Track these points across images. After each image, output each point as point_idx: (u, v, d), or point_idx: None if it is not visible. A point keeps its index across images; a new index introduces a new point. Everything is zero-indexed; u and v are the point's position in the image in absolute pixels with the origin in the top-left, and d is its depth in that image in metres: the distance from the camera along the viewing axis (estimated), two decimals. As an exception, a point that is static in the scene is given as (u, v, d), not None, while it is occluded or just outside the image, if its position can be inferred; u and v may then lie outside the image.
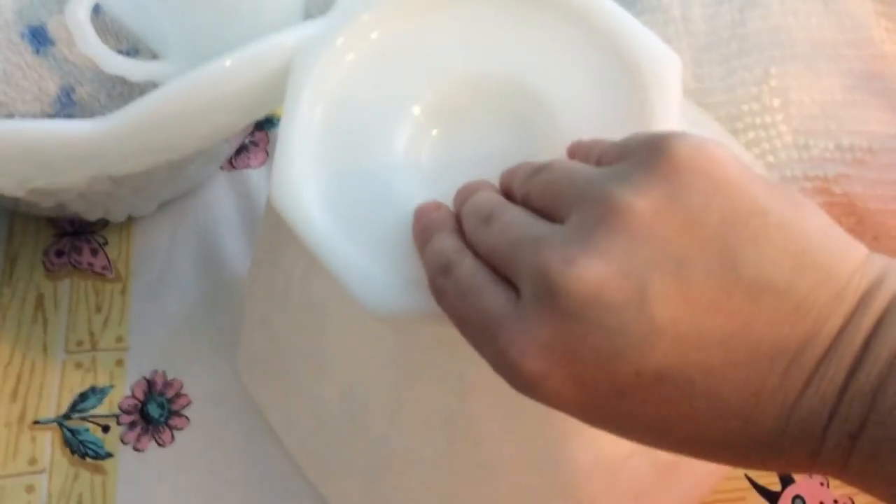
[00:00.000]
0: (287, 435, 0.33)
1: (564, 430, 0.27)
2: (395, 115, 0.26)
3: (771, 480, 0.34)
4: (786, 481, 0.34)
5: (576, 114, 0.26)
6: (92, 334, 0.37)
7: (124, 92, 0.29)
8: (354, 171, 0.26)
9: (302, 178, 0.25)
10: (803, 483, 0.34)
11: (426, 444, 0.28)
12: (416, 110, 0.26)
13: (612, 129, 0.23)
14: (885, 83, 0.35)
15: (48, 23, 0.28)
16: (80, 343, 0.36)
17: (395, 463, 0.29)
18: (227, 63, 0.25)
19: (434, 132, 0.26)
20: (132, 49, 0.29)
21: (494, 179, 0.24)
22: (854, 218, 0.36)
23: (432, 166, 0.26)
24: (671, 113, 0.25)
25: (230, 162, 0.41)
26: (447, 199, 0.24)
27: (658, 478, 0.30)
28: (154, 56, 0.29)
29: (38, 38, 0.28)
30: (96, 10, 0.27)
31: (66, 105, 0.28)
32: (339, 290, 0.24)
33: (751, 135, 0.35)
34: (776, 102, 0.35)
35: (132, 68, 0.28)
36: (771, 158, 0.35)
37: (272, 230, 0.31)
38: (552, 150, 0.25)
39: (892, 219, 0.35)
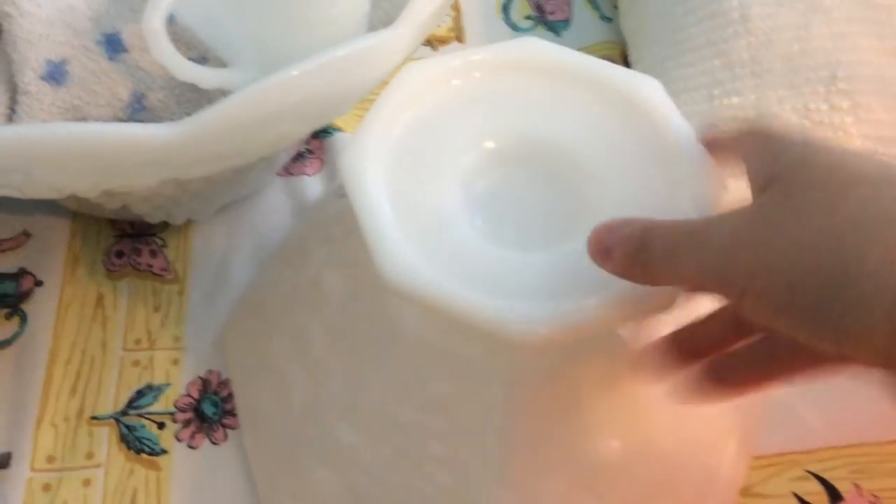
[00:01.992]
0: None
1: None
2: (459, 151, 0.29)
3: (820, 500, 0.34)
4: (834, 496, 0.34)
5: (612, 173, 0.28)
6: (150, 333, 0.38)
7: (193, 99, 0.30)
8: (416, 180, 0.27)
9: (371, 165, 0.26)
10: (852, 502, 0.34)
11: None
12: (476, 153, 0.29)
13: (642, 201, 0.27)
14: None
15: (123, 31, 0.29)
16: (137, 342, 0.37)
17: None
18: (294, 73, 0.26)
19: (486, 173, 0.29)
20: (202, 57, 0.30)
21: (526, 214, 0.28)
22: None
23: (478, 197, 0.28)
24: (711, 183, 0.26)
25: (286, 169, 0.42)
26: (491, 222, 0.26)
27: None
28: (223, 64, 0.30)
29: (113, 45, 0.29)
30: (170, 19, 0.28)
31: (138, 110, 0.29)
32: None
33: (818, 133, 0.35)
34: (845, 104, 0.35)
35: (202, 76, 0.28)
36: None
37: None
38: (581, 201, 0.28)
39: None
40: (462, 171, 0.28)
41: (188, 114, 0.26)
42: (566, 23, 0.49)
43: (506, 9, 0.50)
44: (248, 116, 0.26)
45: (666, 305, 0.25)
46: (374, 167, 0.27)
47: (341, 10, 0.30)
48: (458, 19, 0.50)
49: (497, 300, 0.25)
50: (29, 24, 0.28)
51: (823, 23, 0.36)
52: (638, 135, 0.29)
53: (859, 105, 0.35)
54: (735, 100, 0.36)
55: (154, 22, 0.27)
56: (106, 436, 0.35)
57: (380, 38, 0.27)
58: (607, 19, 0.49)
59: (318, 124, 0.29)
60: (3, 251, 0.39)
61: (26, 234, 0.40)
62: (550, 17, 0.50)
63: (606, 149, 0.29)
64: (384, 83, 0.29)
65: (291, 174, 0.42)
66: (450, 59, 0.30)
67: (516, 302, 0.25)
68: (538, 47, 0.31)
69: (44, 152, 0.24)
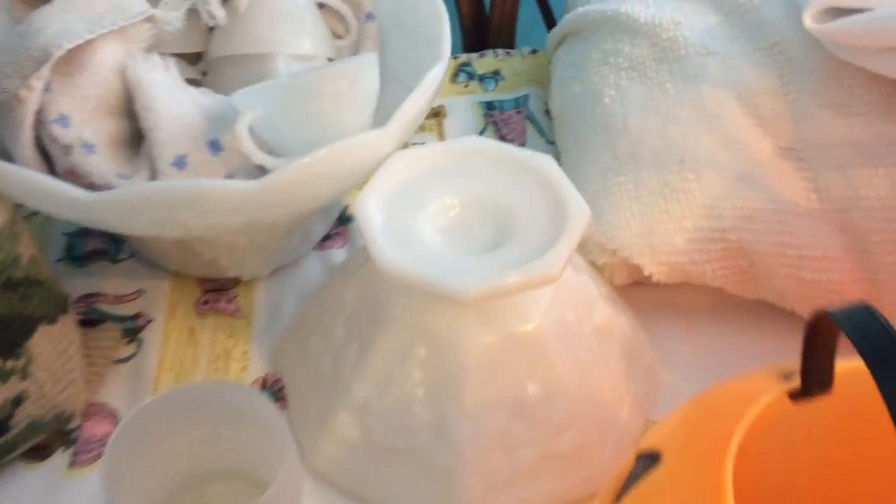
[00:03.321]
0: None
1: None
2: (428, 202, 0.46)
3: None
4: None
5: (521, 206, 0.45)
6: (226, 351, 0.54)
7: (259, 176, 0.48)
8: (400, 217, 0.44)
9: (372, 204, 0.44)
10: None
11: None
12: (439, 203, 0.46)
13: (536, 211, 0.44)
14: (757, 173, 0.52)
15: (220, 138, 0.48)
16: (217, 357, 0.54)
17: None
18: (322, 152, 0.44)
19: (445, 216, 0.46)
20: (267, 151, 0.48)
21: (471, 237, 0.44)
22: (747, 261, 0.52)
23: (440, 229, 0.45)
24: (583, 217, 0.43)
25: (319, 245, 0.60)
26: (448, 241, 0.43)
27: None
28: (279, 155, 0.48)
29: (215, 146, 0.48)
30: (250, 130, 0.47)
31: (229, 184, 0.47)
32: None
33: (675, 196, 0.52)
34: (691, 177, 0.52)
35: (267, 161, 0.47)
36: (686, 214, 0.51)
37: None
38: (505, 229, 0.45)
39: (772, 259, 0.51)
40: (430, 213, 0.46)
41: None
42: (522, 145, 0.68)
43: (480, 135, 0.69)
44: (292, 180, 0.44)
45: (554, 279, 0.42)
46: (373, 205, 0.44)
47: (353, 124, 0.48)
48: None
49: (447, 276, 0.41)
50: (163, 134, 0.47)
51: (676, 126, 0.54)
52: (538, 190, 0.46)
53: (700, 177, 0.52)
54: (620, 178, 0.54)
55: (242, 130, 0.46)
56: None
57: (374, 134, 0.45)
58: (551, 142, 0.68)
59: (339, 190, 0.46)
60: (126, 301, 0.57)
61: (140, 292, 0.57)
62: (509, 142, 0.69)
63: (520, 199, 0.46)
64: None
65: (323, 249, 0.60)
66: (424, 149, 0.48)
67: (459, 276, 0.41)
68: (481, 142, 0.49)
69: (175, 197, 0.42)
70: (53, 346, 0.46)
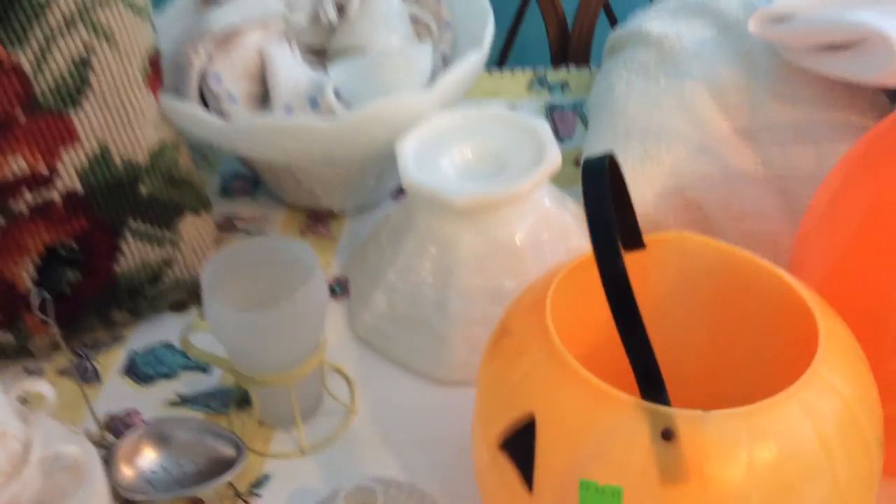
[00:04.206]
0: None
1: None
2: (450, 147, 0.64)
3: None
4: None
5: (513, 150, 0.62)
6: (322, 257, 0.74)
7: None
8: (428, 156, 0.63)
9: (409, 145, 0.63)
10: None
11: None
12: (458, 148, 0.64)
13: (527, 158, 0.60)
14: (715, 146, 0.66)
15: (318, 97, 0.69)
16: (309, 261, 0.74)
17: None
18: (382, 103, 0.64)
19: (461, 157, 0.64)
20: (348, 107, 0.68)
21: (478, 170, 0.61)
22: (701, 213, 0.66)
23: (457, 166, 0.63)
24: (554, 160, 0.60)
25: (395, 195, 0.79)
26: (461, 173, 0.61)
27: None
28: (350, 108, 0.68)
29: (313, 102, 0.69)
30: (337, 92, 0.67)
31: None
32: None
33: (649, 161, 0.67)
34: (663, 146, 0.67)
35: (340, 110, 0.67)
36: (656, 174, 0.67)
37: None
38: (503, 164, 0.61)
39: (720, 213, 0.65)
40: (449, 155, 0.64)
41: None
42: (570, 136, 0.85)
43: (538, 128, 0.87)
44: (355, 121, 0.64)
45: (520, 196, 0.59)
46: (409, 144, 0.63)
47: (412, 83, 0.68)
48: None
49: (446, 189, 0.59)
50: (279, 91, 0.69)
51: (659, 110, 0.69)
52: (528, 143, 0.63)
53: (670, 147, 0.67)
54: (615, 149, 0.70)
55: (328, 89, 0.67)
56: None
57: (414, 95, 0.65)
58: (594, 132, 0.84)
59: (391, 135, 0.66)
60: (254, 222, 0.79)
61: (265, 216, 0.79)
62: (563, 135, 0.86)
63: (515, 149, 0.63)
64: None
65: (397, 199, 0.79)
66: (452, 111, 0.66)
67: (455, 190, 0.59)
68: (494, 109, 0.67)
69: (275, 127, 0.64)
70: (196, 229, 0.69)
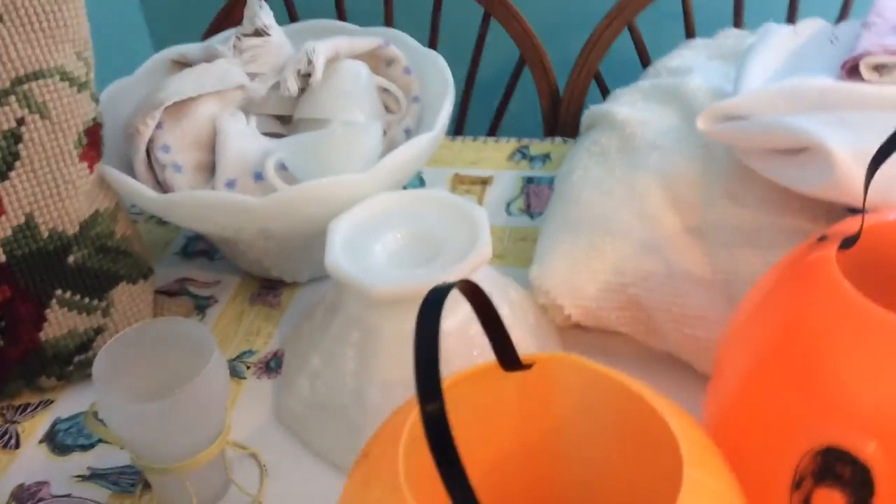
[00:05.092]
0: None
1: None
2: (384, 231, 0.62)
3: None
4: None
5: (447, 235, 0.60)
6: (258, 330, 0.73)
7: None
8: (361, 240, 0.62)
9: (340, 231, 0.61)
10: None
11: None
12: (393, 233, 0.62)
13: (461, 246, 0.58)
14: (662, 244, 0.63)
15: (263, 171, 0.68)
16: (249, 333, 0.73)
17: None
18: (324, 181, 0.63)
19: (395, 243, 0.62)
20: (293, 183, 0.67)
21: (412, 258, 0.59)
22: (644, 313, 0.63)
23: (390, 252, 0.61)
24: (482, 255, 0.58)
25: (353, 267, 0.78)
26: (394, 261, 0.59)
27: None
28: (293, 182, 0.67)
29: (258, 176, 0.68)
30: (283, 166, 0.67)
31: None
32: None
33: (594, 254, 0.64)
34: (608, 240, 0.64)
35: (279, 185, 0.66)
36: (599, 269, 0.64)
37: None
38: (437, 251, 0.59)
39: (661, 314, 0.62)
40: (383, 239, 0.62)
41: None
42: (541, 213, 0.83)
43: (508, 206, 0.85)
44: (288, 199, 0.63)
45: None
46: (342, 227, 0.61)
47: (350, 170, 0.66)
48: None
49: (380, 281, 0.57)
50: (224, 163, 0.68)
51: (610, 202, 0.67)
52: (465, 228, 0.61)
53: (615, 242, 0.64)
54: (563, 237, 0.67)
55: (269, 164, 0.66)
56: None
57: (353, 176, 0.63)
58: (563, 212, 0.82)
59: (327, 215, 0.64)
60: (207, 286, 0.78)
61: (218, 281, 0.79)
62: (534, 210, 0.83)
63: (451, 233, 0.61)
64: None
65: (354, 270, 0.78)
66: (390, 193, 0.64)
67: (375, 279, 0.57)
68: (433, 192, 0.65)
69: (208, 202, 0.63)
70: (130, 299, 0.68)
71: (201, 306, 0.76)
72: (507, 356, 0.44)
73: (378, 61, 0.80)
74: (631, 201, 0.66)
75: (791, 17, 1.07)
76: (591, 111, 0.80)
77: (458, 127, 1.15)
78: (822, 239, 0.45)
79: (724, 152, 0.65)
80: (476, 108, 1.20)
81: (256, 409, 0.66)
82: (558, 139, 0.93)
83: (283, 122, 0.79)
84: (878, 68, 0.59)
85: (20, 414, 0.67)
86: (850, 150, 0.52)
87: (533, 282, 0.67)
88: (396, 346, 0.60)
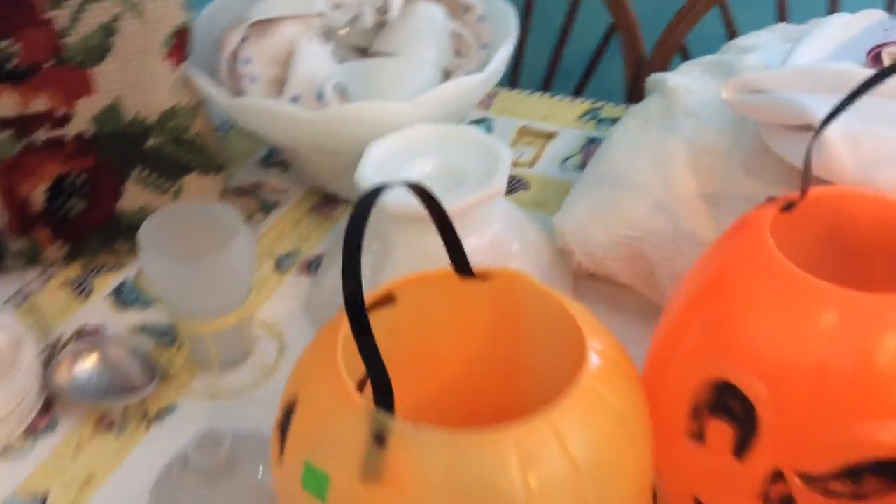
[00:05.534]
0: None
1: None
2: (414, 158, 0.68)
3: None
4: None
5: (472, 170, 0.65)
6: (309, 235, 0.81)
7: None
8: (390, 164, 0.68)
9: (375, 156, 0.68)
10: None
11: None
12: (420, 164, 0.68)
13: (481, 179, 0.64)
14: (674, 206, 0.66)
15: (325, 91, 0.75)
16: (302, 234, 0.81)
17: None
18: (358, 105, 0.69)
19: (424, 168, 0.68)
20: (348, 99, 0.74)
21: (438, 181, 0.65)
22: (647, 267, 0.66)
23: (420, 174, 0.67)
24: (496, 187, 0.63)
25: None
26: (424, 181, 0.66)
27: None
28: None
29: (320, 95, 0.75)
30: (345, 89, 0.74)
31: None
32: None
33: (610, 208, 0.68)
34: (626, 195, 0.68)
35: (334, 104, 0.73)
36: (612, 221, 0.68)
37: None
38: (460, 178, 0.65)
39: (661, 268, 0.65)
40: (411, 167, 0.68)
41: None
42: (590, 169, 0.86)
43: (565, 161, 0.89)
44: (338, 116, 0.70)
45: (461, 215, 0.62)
46: (376, 151, 0.68)
47: (402, 91, 0.73)
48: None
49: (391, 196, 0.64)
50: (292, 81, 0.76)
51: (637, 160, 0.70)
52: (491, 162, 0.66)
53: (632, 198, 0.68)
54: (589, 189, 0.71)
55: (328, 85, 0.73)
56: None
57: (393, 104, 0.69)
58: (611, 172, 0.85)
59: (370, 135, 0.70)
60: (278, 191, 0.87)
61: (287, 189, 0.87)
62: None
63: (476, 165, 0.67)
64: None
65: (406, 196, 0.84)
66: (422, 126, 0.70)
67: (404, 200, 0.64)
68: (462, 128, 0.70)
69: (270, 111, 0.71)
70: (199, 188, 0.77)
71: (267, 207, 0.85)
72: (460, 264, 0.50)
73: (456, 7, 0.85)
74: (655, 163, 0.69)
75: (891, 7, 1.05)
76: (653, 77, 0.83)
77: (545, 83, 1.18)
78: (770, 199, 0.48)
79: (753, 128, 0.67)
80: (565, 68, 1.23)
81: (290, 299, 0.75)
82: (633, 106, 0.96)
83: (363, 55, 0.86)
84: (908, 59, 0.60)
85: (95, 274, 0.77)
86: (839, 131, 0.54)
87: (554, 225, 0.72)
88: (407, 261, 0.66)
